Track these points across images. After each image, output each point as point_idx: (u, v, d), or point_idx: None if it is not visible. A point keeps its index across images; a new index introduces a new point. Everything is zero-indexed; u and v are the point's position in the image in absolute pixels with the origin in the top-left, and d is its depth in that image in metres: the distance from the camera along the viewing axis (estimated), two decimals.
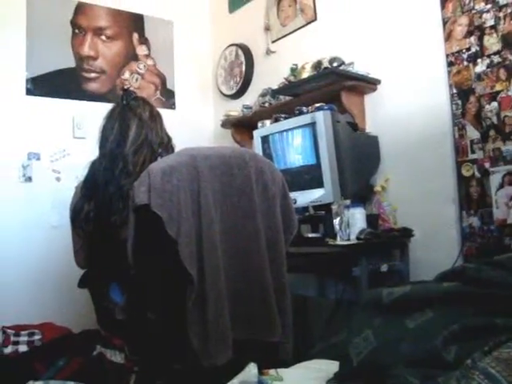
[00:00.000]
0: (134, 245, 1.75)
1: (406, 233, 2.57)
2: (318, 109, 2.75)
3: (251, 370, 1.17)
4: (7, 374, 2.82)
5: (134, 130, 2.04)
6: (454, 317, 1.12)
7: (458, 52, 2.53)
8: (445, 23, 2.59)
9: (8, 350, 2.98)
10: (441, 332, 1.07)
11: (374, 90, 2.93)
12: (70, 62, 3.59)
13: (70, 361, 2.75)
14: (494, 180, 2.39)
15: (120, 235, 1.88)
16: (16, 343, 3.02)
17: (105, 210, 1.98)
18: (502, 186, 2.37)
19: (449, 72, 2.57)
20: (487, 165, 2.42)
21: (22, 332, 3.07)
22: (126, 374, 2.63)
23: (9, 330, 3.06)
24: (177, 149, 2.00)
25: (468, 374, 0.84)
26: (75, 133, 3.49)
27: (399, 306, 1.21)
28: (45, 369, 2.71)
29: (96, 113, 2.20)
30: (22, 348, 3.00)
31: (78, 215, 2.06)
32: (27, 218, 3.29)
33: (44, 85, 3.46)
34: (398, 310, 1.20)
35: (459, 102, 2.52)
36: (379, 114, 2.91)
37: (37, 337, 3.07)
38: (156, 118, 2.15)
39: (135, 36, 3.89)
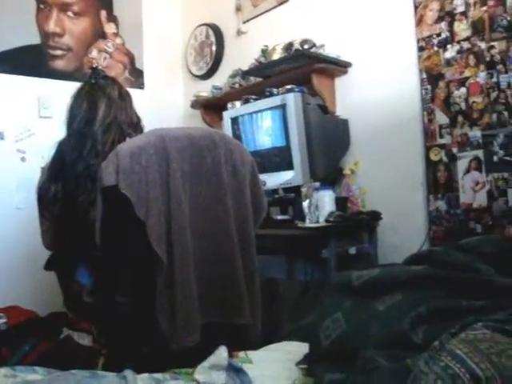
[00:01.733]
0: (101, 226, 1.73)
1: (375, 216, 2.59)
2: (289, 91, 2.74)
3: (222, 353, 1.16)
4: None
5: (102, 109, 2.00)
6: (421, 299, 1.14)
7: (428, 37, 2.54)
8: (416, 7, 2.59)
9: None
10: (409, 314, 1.09)
11: (345, 73, 2.93)
12: (34, 39, 3.48)
13: (36, 344, 2.72)
14: (461, 165, 2.43)
15: (88, 216, 1.85)
16: None
17: (72, 190, 1.94)
18: (468, 170, 2.41)
19: (419, 57, 2.58)
20: (455, 150, 2.45)
21: None
22: (94, 357, 2.61)
23: None
24: (146, 129, 1.97)
25: (436, 355, 0.85)
26: (41, 112, 3.40)
27: (369, 288, 1.23)
28: (11, 353, 2.67)
29: (62, 92, 2.15)
30: None
31: (44, 196, 2.01)
32: None
33: (8, 62, 3.35)
34: (368, 293, 1.21)
35: (429, 86, 2.54)
36: (350, 98, 2.92)
37: (2, 320, 3.01)
38: (125, 98, 2.11)
39: (103, 13, 3.79)
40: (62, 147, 2.02)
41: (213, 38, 3.80)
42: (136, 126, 2.09)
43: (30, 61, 3.44)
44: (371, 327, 1.12)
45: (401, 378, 0.87)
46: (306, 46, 2.88)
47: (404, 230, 2.59)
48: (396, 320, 1.09)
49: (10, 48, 3.37)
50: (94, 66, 2.16)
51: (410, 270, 1.24)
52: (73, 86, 2.13)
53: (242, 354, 1.48)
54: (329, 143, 2.73)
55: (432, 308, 1.10)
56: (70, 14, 3.63)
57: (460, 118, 2.43)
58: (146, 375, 1.13)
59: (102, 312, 1.97)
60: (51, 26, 3.55)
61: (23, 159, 3.35)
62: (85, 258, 1.97)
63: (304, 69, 2.89)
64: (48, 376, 1.08)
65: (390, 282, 1.21)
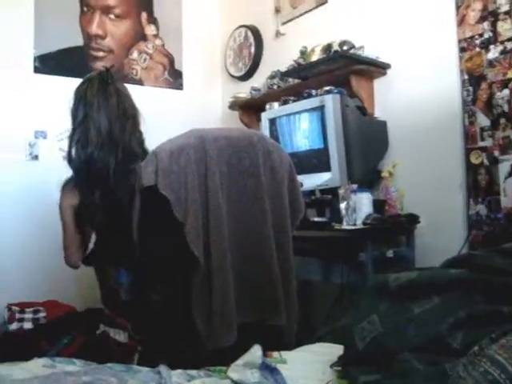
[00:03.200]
0: (139, 226, 1.75)
1: (413, 219, 2.55)
2: (328, 92, 2.73)
3: (256, 351, 1.17)
4: (12, 350, 2.85)
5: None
6: (460, 304, 1.12)
7: (470, 37, 2.49)
8: (458, 7, 2.55)
9: (13, 326, 3.00)
10: (447, 318, 1.07)
11: (384, 74, 2.91)
12: (78, 41, 3.57)
13: (73, 339, 2.77)
14: (503, 168, 2.37)
15: (128, 216, 1.87)
16: (21, 320, 3.04)
17: (111, 195, 1.97)
18: (510, 174, 2.35)
19: (460, 58, 2.53)
20: (496, 153, 2.39)
21: (27, 309, 3.09)
22: (129, 353, 2.65)
23: (14, 307, 3.08)
24: (183, 130, 1.99)
25: (475, 360, 0.84)
26: None
27: (406, 291, 1.21)
28: (49, 346, 2.73)
29: None
30: (27, 325, 3.02)
31: (84, 210, 2.04)
32: (33, 196, 3.28)
33: (52, 63, 3.44)
34: (405, 296, 1.20)
35: (470, 88, 2.49)
36: (388, 99, 2.89)
37: (41, 314, 3.09)
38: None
39: (144, 15, 3.85)
40: (90, 158, 2.01)
41: (251, 40, 3.82)
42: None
43: (72, 62, 3.52)
44: (408, 330, 1.10)
45: (438, 382, 0.85)
46: (345, 48, 2.86)
47: (442, 233, 2.55)
48: (433, 324, 1.07)
49: (54, 50, 3.46)
50: (106, 67, 2.15)
51: (448, 273, 1.22)
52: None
53: (276, 354, 1.48)
54: (367, 145, 2.71)
55: (471, 313, 1.08)
56: (111, 16, 3.70)
57: (502, 121, 2.37)
58: (179, 371, 1.14)
59: (138, 310, 2.00)
60: (94, 29, 3.63)
61: (65, 158, 3.41)
62: (123, 256, 2.00)
63: (342, 70, 2.87)
64: (85, 367, 1.10)
65: (427, 285, 1.19)
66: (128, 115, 2.03)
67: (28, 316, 3.07)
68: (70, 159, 2.07)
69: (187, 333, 1.80)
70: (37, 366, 1.04)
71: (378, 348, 1.10)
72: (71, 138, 2.05)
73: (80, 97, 2.07)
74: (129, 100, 2.07)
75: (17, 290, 3.17)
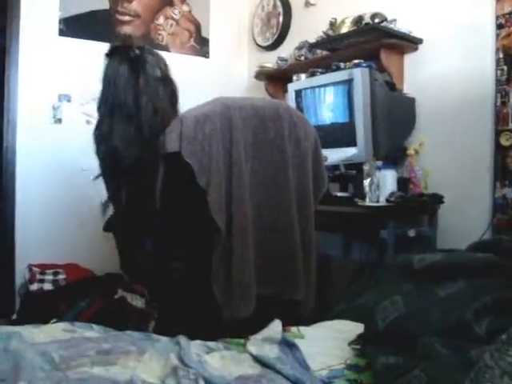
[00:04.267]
0: (162, 192, 1.74)
1: (437, 199, 2.51)
2: (356, 65, 2.67)
3: (276, 326, 1.15)
4: (32, 309, 2.90)
5: (163, 101, 1.93)
6: (486, 289, 1.09)
7: (509, 14, 2.40)
8: None
9: (34, 287, 3.06)
10: (472, 303, 1.04)
11: (415, 49, 2.83)
12: (104, 4, 3.52)
13: (92, 302, 2.81)
14: None
15: (151, 183, 1.85)
16: (41, 281, 3.09)
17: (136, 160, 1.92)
18: None
19: (497, 35, 2.44)
20: None
21: (48, 271, 3.14)
22: (146, 319, 2.68)
23: (35, 268, 3.14)
24: (208, 98, 1.94)
25: (502, 349, 0.81)
26: None
27: (430, 273, 1.18)
28: (67, 308, 2.77)
29: None
30: (47, 286, 3.07)
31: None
32: (56, 159, 3.30)
33: (77, 26, 3.41)
34: (429, 278, 1.17)
35: (505, 67, 2.41)
36: (418, 75, 2.82)
37: (61, 276, 3.14)
38: (168, 69, 2.01)
39: None
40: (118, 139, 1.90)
41: (280, 9, 3.74)
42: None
43: (98, 26, 3.49)
44: (431, 313, 1.08)
45: (463, 369, 0.83)
46: (376, 20, 2.79)
47: (466, 215, 2.51)
48: (458, 308, 1.05)
49: (79, 12, 3.42)
50: (120, 44, 2.03)
51: (475, 257, 1.19)
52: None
53: (294, 328, 1.47)
54: (394, 121, 2.66)
55: (498, 298, 1.05)
56: None
57: None
58: (199, 342, 1.13)
59: (158, 277, 2.00)
60: None
61: (88, 122, 3.41)
62: (145, 223, 1.99)
63: (373, 44, 2.80)
64: (105, 334, 1.10)
65: (453, 268, 1.16)
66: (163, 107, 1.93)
67: (48, 277, 3.12)
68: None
69: (205, 302, 1.80)
70: (57, 329, 1.04)
71: (400, 329, 1.08)
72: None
73: (109, 82, 1.94)
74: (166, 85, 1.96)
75: (38, 252, 3.22)
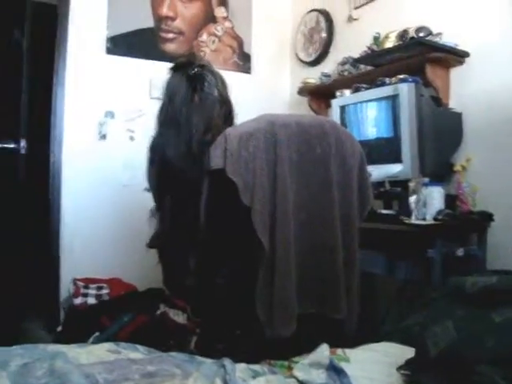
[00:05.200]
0: (206, 209, 1.74)
1: (486, 217, 2.43)
2: (402, 81, 2.62)
3: (324, 351, 1.12)
4: (76, 323, 2.94)
5: (217, 119, 1.94)
6: None
7: None
8: None
9: (77, 300, 3.09)
10: None
11: (462, 63, 2.76)
12: (148, 22, 3.58)
13: (134, 317, 2.82)
14: None
15: (196, 199, 1.84)
16: (85, 295, 3.12)
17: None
18: None
19: None
20: None
21: (91, 285, 3.17)
22: (188, 335, 2.67)
23: (79, 282, 3.17)
24: (251, 114, 1.93)
25: None
26: (152, 93, 3.49)
27: (484, 297, 1.13)
28: (110, 323, 2.79)
29: None
30: (91, 300, 3.10)
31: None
32: (101, 175, 3.35)
33: (123, 44, 3.47)
34: (483, 302, 1.12)
35: None
36: (465, 90, 2.75)
37: (105, 291, 3.17)
38: (226, 87, 2.04)
39: None
40: (170, 155, 1.93)
41: (323, 25, 3.72)
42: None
43: (143, 44, 3.54)
44: (486, 340, 1.03)
45: None
46: (421, 34, 2.74)
47: None
48: None
49: (125, 31, 3.49)
50: (185, 61, 2.07)
51: None
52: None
53: (339, 351, 1.44)
54: (440, 137, 2.59)
55: None
56: None
57: None
58: (244, 365, 1.12)
59: (201, 293, 1.99)
60: (164, 10, 3.63)
61: (132, 138, 3.47)
62: (190, 240, 1.99)
63: (418, 58, 2.75)
64: (149, 356, 1.09)
65: (509, 292, 1.11)
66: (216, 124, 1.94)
67: (92, 292, 3.15)
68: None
69: (247, 320, 1.79)
70: (102, 350, 1.04)
71: (454, 356, 1.04)
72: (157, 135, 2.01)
73: (168, 96, 2.01)
74: (222, 104, 1.98)
75: (83, 266, 3.26)
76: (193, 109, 1.92)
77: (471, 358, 0.99)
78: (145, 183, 2.12)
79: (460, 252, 2.33)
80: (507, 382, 0.87)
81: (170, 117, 1.96)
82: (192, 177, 1.88)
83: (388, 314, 2.43)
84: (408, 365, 1.21)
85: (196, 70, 1.98)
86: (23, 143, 3.37)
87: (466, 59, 2.75)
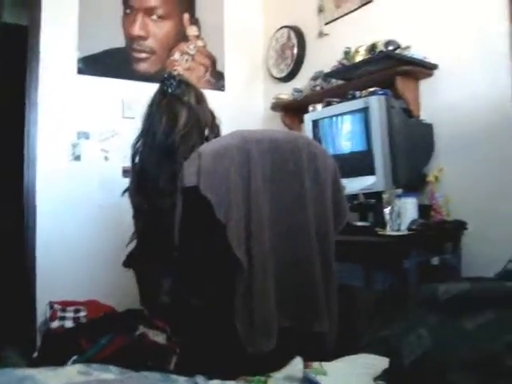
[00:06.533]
0: (181, 227, 1.73)
1: (460, 225, 2.46)
2: (372, 93, 2.66)
3: (297, 364, 1.12)
4: (53, 347, 2.89)
5: (183, 119, 2.00)
6: None
7: None
8: (510, 1, 2.42)
9: (55, 324, 3.05)
10: (503, 336, 1.00)
11: (430, 75, 2.82)
12: (120, 42, 3.59)
13: (113, 339, 2.78)
14: None
15: (170, 218, 1.85)
16: (62, 318, 3.08)
17: (156, 200, 1.96)
18: None
19: None
20: None
21: (68, 308, 3.13)
22: (168, 355, 2.64)
23: (56, 305, 3.13)
24: (225, 131, 1.96)
25: None
26: (125, 113, 3.49)
27: (457, 304, 1.14)
28: (89, 345, 2.75)
29: (146, 93, 2.18)
30: (68, 323, 3.06)
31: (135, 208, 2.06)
32: (75, 195, 3.32)
33: (95, 64, 3.47)
34: (456, 309, 1.13)
35: None
36: (435, 101, 2.80)
37: (82, 313, 3.13)
38: (201, 100, 2.10)
39: (186, 16, 3.85)
40: (143, 163, 2.04)
41: (294, 41, 3.77)
42: (212, 126, 2.09)
43: (115, 63, 3.55)
44: (459, 347, 1.04)
45: None
46: (390, 48, 2.79)
47: (491, 240, 2.44)
48: (488, 341, 1.01)
49: (97, 51, 3.49)
50: (166, 75, 2.15)
51: (504, 286, 1.15)
52: (155, 88, 2.15)
53: (316, 364, 1.43)
54: (412, 148, 2.63)
55: None
56: (154, 17, 3.71)
57: None
58: (216, 382, 1.10)
59: (178, 313, 1.97)
60: (136, 30, 3.64)
61: (106, 158, 3.45)
62: (165, 259, 1.98)
63: (388, 71, 2.80)
64: (121, 376, 1.07)
65: (481, 299, 1.12)
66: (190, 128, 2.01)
67: (69, 314, 3.11)
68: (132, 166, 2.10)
69: (227, 337, 1.77)
70: (73, 372, 1.02)
71: (427, 365, 1.04)
72: (134, 146, 2.08)
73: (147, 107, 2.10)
74: (195, 112, 2.04)
75: (59, 289, 3.21)
76: (159, 110, 2.01)
77: (444, 366, 1.00)
78: (121, 202, 2.12)
79: (435, 261, 2.36)
80: None
81: (146, 130, 2.04)
82: (167, 197, 1.89)
83: (368, 326, 2.44)
84: (385, 375, 1.21)
85: (172, 80, 2.06)
86: None
87: (435, 71, 2.80)
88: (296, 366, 1.13)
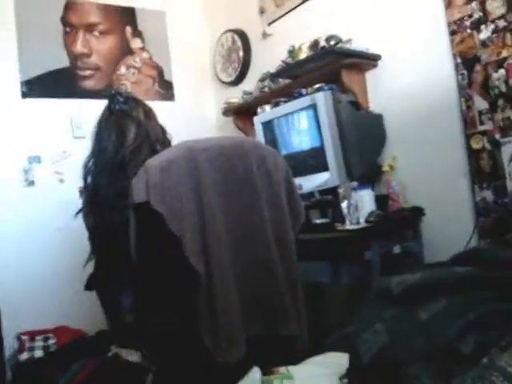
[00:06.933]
0: (137, 243, 1.70)
1: (417, 212, 2.49)
2: (318, 90, 2.67)
3: (254, 374, 1.10)
4: (24, 380, 2.82)
5: (132, 135, 2.00)
6: (469, 304, 1.05)
7: (460, 19, 2.42)
8: None
9: (24, 356, 2.97)
10: (455, 322, 1.00)
11: (375, 66, 2.84)
12: (63, 62, 3.52)
13: (85, 364, 2.73)
14: (506, 151, 2.30)
15: (125, 237, 1.82)
16: (31, 349, 3.00)
17: (108, 218, 1.94)
18: None
19: (452, 41, 2.46)
20: (497, 136, 2.32)
21: (37, 337, 3.06)
22: (143, 374, 2.60)
23: (23, 336, 3.05)
24: (178, 140, 1.94)
25: (485, 374, 0.77)
26: (75, 132, 3.42)
27: (410, 295, 1.14)
28: (60, 374, 2.69)
29: (94, 111, 2.15)
30: (38, 353, 2.98)
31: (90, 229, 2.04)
32: (32, 221, 3.24)
33: (39, 86, 3.39)
34: (410, 300, 1.13)
35: (465, 71, 2.42)
36: (382, 91, 2.82)
37: (51, 341, 3.06)
38: (150, 115, 2.09)
39: (128, 29, 3.80)
40: (95, 182, 2.01)
41: (239, 43, 3.76)
42: (164, 140, 2.08)
43: (60, 83, 3.48)
44: (415, 338, 1.04)
45: None
46: (332, 42, 2.80)
47: (450, 224, 2.48)
48: (441, 329, 1.01)
49: (41, 73, 3.42)
50: (113, 91, 2.15)
51: (454, 272, 1.15)
52: (103, 105, 2.13)
53: (282, 369, 1.41)
54: (364, 140, 2.65)
55: (481, 313, 1.01)
56: (95, 33, 3.65)
57: (501, 102, 2.30)
58: None
59: (144, 331, 1.95)
60: (78, 48, 3.58)
61: (61, 181, 3.38)
62: (124, 277, 1.95)
63: (332, 66, 2.81)
64: None
65: (432, 287, 1.12)
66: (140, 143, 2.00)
67: (38, 344, 3.04)
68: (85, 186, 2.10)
69: (196, 350, 1.75)
70: None
71: (384, 360, 1.04)
72: (85, 166, 2.08)
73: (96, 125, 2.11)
74: (144, 127, 2.04)
75: (25, 318, 3.13)
76: (107, 127, 2.03)
77: (401, 358, 0.99)
78: (80, 224, 2.09)
79: (397, 249, 2.38)
80: (434, 379, 0.87)
81: (94, 147, 2.06)
82: (118, 215, 1.87)
83: (338, 322, 2.44)
84: (348, 374, 1.20)
85: (118, 97, 2.07)
86: None
87: (379, 62, 2.83)
88: (253, 376, 1.11)
